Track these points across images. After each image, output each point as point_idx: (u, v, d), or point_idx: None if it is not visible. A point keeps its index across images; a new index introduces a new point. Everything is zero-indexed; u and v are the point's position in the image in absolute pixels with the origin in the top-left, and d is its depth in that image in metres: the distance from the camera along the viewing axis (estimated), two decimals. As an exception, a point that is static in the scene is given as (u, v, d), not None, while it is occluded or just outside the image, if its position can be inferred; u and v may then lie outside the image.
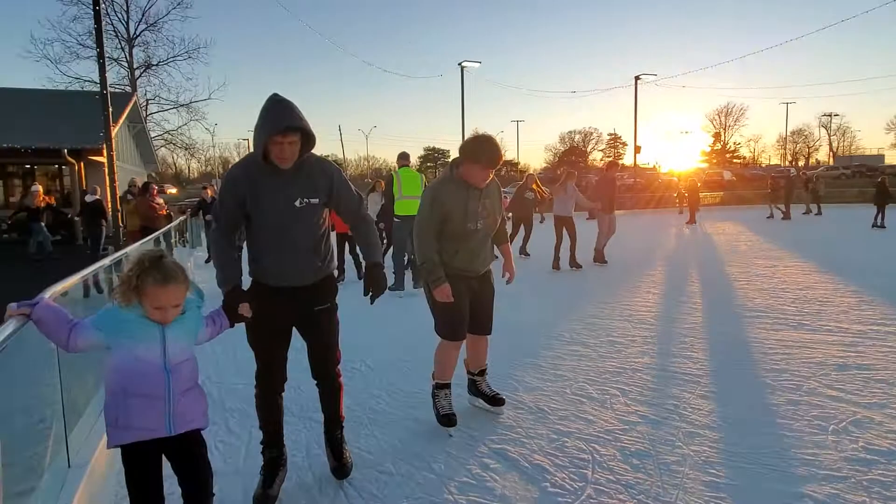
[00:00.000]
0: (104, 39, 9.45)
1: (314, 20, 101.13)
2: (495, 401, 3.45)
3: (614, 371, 4.14)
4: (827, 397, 3.51)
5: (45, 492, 2.21)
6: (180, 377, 1.93)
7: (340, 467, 2.67)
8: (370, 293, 2.57)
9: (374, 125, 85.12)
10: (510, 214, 10.03)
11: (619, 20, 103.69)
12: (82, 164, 17.22)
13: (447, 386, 3.31)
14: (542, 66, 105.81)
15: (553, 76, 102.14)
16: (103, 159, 14.92)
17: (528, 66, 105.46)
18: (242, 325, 2.38)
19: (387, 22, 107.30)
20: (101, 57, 9.57)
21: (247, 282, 2.51)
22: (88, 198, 12.52)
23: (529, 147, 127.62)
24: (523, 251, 10.45)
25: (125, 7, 32.35)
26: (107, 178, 11.27)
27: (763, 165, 59.29)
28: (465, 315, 3.22)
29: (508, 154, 73.52)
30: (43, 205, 13.42)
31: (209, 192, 11.79)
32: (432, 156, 70.85)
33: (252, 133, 2.40)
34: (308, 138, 2.37)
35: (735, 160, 66.84)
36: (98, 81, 11.22)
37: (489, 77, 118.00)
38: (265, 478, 2.53)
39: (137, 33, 33.00)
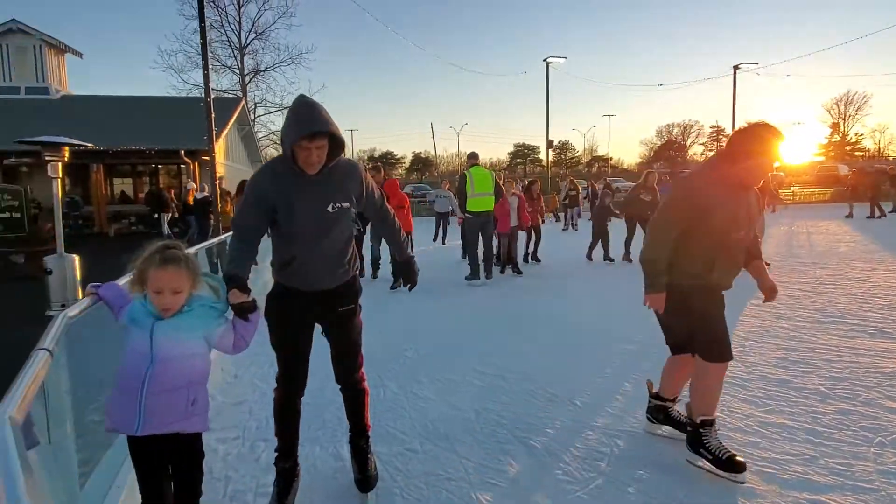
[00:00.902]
0: (220, 49, 10.56)
1: (402, 22, 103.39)
2: (687, 428, 2.83)
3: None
4: (884, 409, 3.30)
5: (106, 464, 2.44)
6: (163, 375, 1.86)
7: (364, 479, 2.55)
8: (409, 285, 2.71)
9: (465, 122, 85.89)
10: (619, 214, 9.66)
11: (714, 4, 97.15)
12: (196, 163, 19.03)
13: (714, 422, 2.72)
14: (631, 59, 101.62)
15: (644, 68, 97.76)
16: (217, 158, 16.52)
17: (616, 59, 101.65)
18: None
19: (470, 20, 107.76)
20: (205, 69, 10.66)
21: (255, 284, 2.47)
22: (199, 195, 13.88)
23: (623, 142, 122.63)
24: (626, 257, 9.34)
25: (238, 19, 35.03)
26: (197, 177, 12.40)
27: (891, 158, 53.08)
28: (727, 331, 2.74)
29: (601, 149, 71.37)
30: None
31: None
32: (522, 152, 70.29)
33: (280, 135, 2.33)
34: (336, 142, 2.25)
35: (857, 153, 60.41)
36: (214, 88, 12.57)
37: (575, 72, 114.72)
38: (279, 491, 2.44)
39: (248, 42, 35.61)
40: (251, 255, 2.32)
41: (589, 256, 9.77)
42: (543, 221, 10.13)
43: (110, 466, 2.40)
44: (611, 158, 64.20)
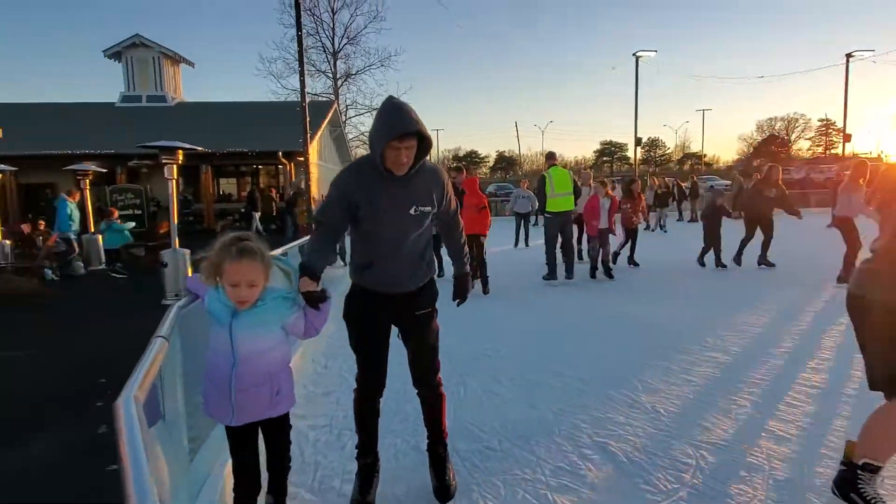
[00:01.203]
0: (315, 55, 11.15)
1: (485, 20, 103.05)
2: None
3: (752, 382, 3.88)
4: None
5: (212, 441, 2.66)
6: (248, 372, 1.96)
7: (443, 488, 2.51)
8: (458, 300, 2.69)
9: (551, 120, 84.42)
10: (741, 214, 8.82)
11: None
12: (292, 164, 20.13)
13: (879, 470, 2.31)
14: (728, 50, 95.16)
15: (742, 60, 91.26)
16: (310, 159, 17.43)
17: (711, 50, 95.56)
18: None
19: (557, 17, 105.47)
20: (301, 75, 11.30)
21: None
22: (292, 194, 14.76)
23: (718, 138, 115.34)
24: (763, 261, 8.60)
25: (332, 25, 36.60)
26: (291, 177, 13.07)
27: None
28: None
29: (694, 145, 67.57)
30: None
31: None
32: (609, 150, 68.07)
33: (368, 136, 2.32)
34: (424, 143, 2.24)
35: None
36: (309, 93, 13.45)
37: (667, 66, 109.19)
38: (361, 485, 2.50)
39: (340, 47, 37.10)
40: (329, 250, 2.38)
41: (700, 261, 8.92)
42: (642, 222, 9.77)
43: (216, 443, 2.62)
44: (704, 155, 60.67)
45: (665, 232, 15.62)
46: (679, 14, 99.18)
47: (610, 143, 70.60)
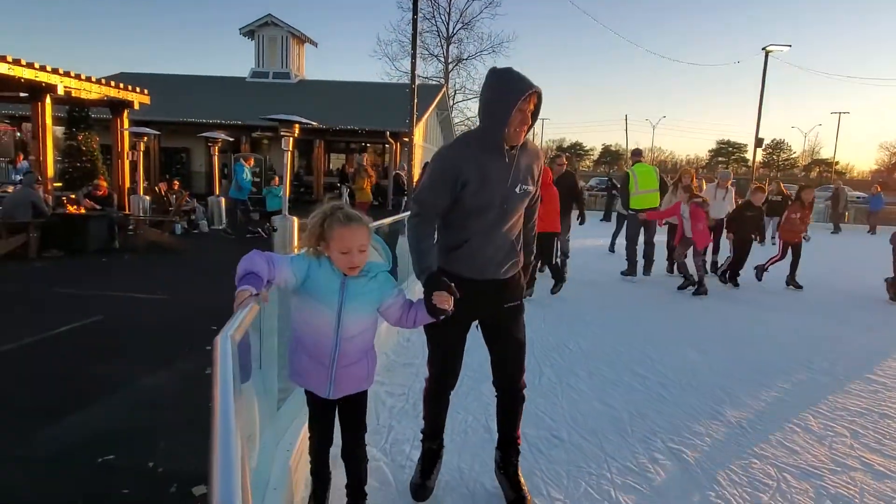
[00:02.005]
0: (429, 38, 11.34)
1: (601, 6, 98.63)
2: None
3: (855, 410, 3.57)
4: None
5: (298, 394, 2.75)
6: (350, 351, 1.98)
7: (521, 500, 2.36)
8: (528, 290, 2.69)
9: (663, 115, 79.82)
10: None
11: None
12: (398, 144, 20.75)
13: None
14: (873, 47, 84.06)
15: (889, 59, 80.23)
16: (415, 140, 17.91)
17: (852, 47, 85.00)
18: None
19: (676, 7, 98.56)
20: (413, 58, 11.52)
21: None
22: (395, 173, 15.24)
23: (854, 145, 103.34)
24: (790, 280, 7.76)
25: (447, 10, 36.96)
26: (397, 157, 13.43)
27: None
28: None
29: (825, 151, 61.18)
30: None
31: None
32: (725, 149, 63.32)
33: (483, 106, 2.15)
34: (536, 109, 2.17)
35: None
36: (420, 75, 13.74)
37: (799, 62, 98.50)
38: (423, 469, 2.47)
39: (454, 32, 37.41)
40: (433, 236, 2.24)
41: (790, 282, 7.73)
42: (807, 238, 8.18)
43: (300, 396, 2.87)
44: (836, 162, 54.72)
45: (774, 244, 14.28)
46: (818, 5, 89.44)
47: (727, 142, 65.71)
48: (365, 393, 2.13)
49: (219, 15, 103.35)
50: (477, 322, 2.38)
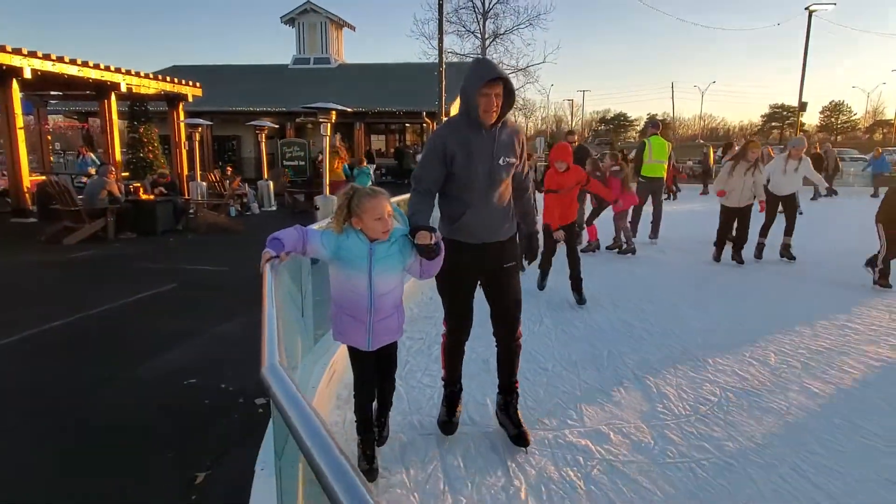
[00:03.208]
0: (466, 15, 11.70)
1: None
2: None
3: (816, 349, 4.08)
4: None
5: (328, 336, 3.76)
6: (383, 307, 2.30)
7: (522, 435, 2.70)
8: (530, 256, 2.95)
9: (713, 80, 76.49)
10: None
11: None
12: (435, 123, 21.35)
13: None
14: None
15: None
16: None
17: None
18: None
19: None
20: (440, 42, 12.03)
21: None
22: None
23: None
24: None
25: (484, -17, 36.82)
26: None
27: None
28: None
29: (889, 111, 57.59)
30: None
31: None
32: (779, 114, 60.61)
33: (461, 91, 2.51)
34: (509, 96, 2.48)
35: None
36: (457, 52, 14.13)
37: (851, 20, 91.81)
38: (448, 408, 2.83)
39: (490, 6, 37.30)
40: (430, 206, 2.56)
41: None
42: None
43: (327, 345, 3.63)
44: (904, 123, 51.62)
45: (800, 213, 12.69)
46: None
47: (782, 106, 62.85)
48: (396, 344, 2.49)
49: (261, 4, 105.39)
50: (484, 290, 2.75)
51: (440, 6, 12.31)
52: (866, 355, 3.96)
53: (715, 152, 18.90)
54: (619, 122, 70.08)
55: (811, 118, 67.91)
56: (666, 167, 8.39)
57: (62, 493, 2.48)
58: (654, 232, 8.41)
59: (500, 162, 2.56)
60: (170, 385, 3.58)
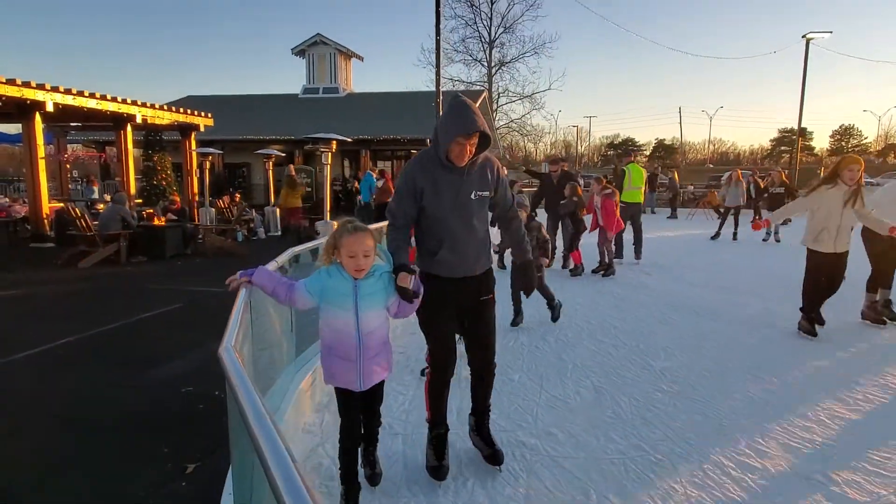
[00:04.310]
0: (472, 44, 12.25)
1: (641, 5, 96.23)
2: None
3: (758, 360, 4.37)
4: None
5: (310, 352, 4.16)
6: (371, 344, 2.30)
7: (496, 453, 2.77)
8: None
9: (721, 105, 77.41)
10: None
11: None
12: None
13: None
14: None
15: None
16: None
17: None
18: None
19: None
20: (437, 74, 12.61)
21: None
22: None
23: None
24: None
25: (489, 15, 37.91)
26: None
27: None
28: None
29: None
30: None
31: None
32: (788, 138, 60.95)
33: (435, 130, 2.51)
34: (485, 140, 2.49)
35: None
36: (464, 81, 14.53)
37: (844, 50, 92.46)
38: (436, 452, 2.75)
39: (496, 36, 38.30)
40: (407, 242, 2.60)
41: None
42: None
43: (311, 354, 3.99)
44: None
45: (778, 241, 11.75)
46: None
47: (790, 130, 63.16)
48: (383, 382, 2.50)
49: (272, 36, 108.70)
50: (460, 321, 2.77)
51: (437, 43, 12.89)
52: (810, 368, 4.26)
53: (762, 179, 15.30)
54: (627, 148, 70.65)
55: (821, 142, 68.26)
56: (643, 191, 9.09)
57: (75, 473, 2.88)
58: (638, 253, 8.88)
59: (472, 196, 2.56)
60: (170, 391, 3.97)
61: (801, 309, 5.12)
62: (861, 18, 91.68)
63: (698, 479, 2.73)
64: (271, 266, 3.21)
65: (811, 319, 5.04)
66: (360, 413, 2.47)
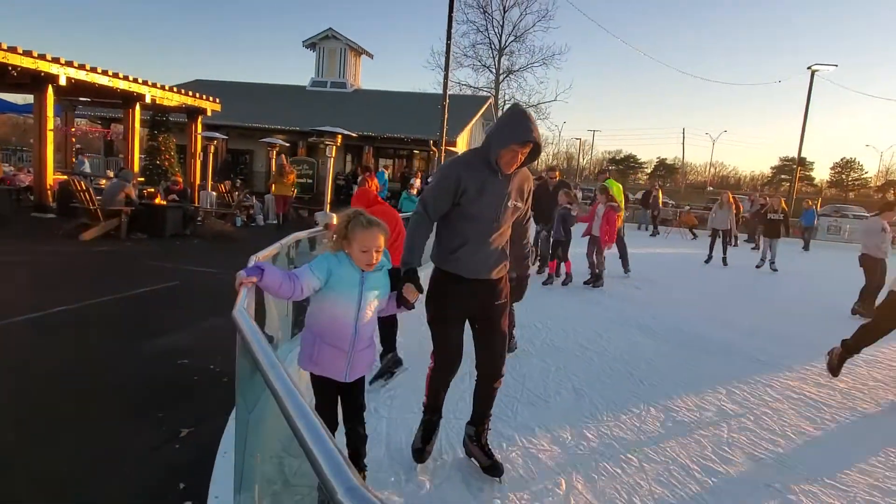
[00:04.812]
0: (483, 50, 12.42)
1: (650, 26, 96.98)
2: None
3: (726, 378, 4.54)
4: None
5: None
6: (363, 336, 2.27)
7: (496, 465, 2.73)
8: (516, 299, 2.90)
9: (724, 130, 78.11)
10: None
11: None
12: (443, 152, 22.13)
13: None
14: None
15: None
16: (455, 149, 19.26)
17: None
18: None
19: (721, 26, 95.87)
20: (446, 72, 12.76)
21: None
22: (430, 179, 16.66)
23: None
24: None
25: (501, 23, 38.20)
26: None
27: None
28: None
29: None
30: None
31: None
32: (788, 167, 61.46)
33: (489, 134, 2.52)
34: (535, 151, 2.50)
35: None
36: (471, 85, 14.69)
37: (850, 83, 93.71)
38: (424, 435, 2.80)
39: (507, 44, 38.59)
40: (427, 236, 2.59)
41: None
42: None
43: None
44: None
45: (775, 271, 11.39)
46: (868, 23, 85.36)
47: (791, 159, 63.78)
48: (363, 381, 2.44)
49: (284, 27, 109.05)
50: (472, 326, 2.73)
51: (447, 49, 13.06)
52: (783, 387, 4.43)
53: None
54: (628, 164, 71.08)
55: (822, 173, 68.91)
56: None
57: (76, 431, 3.02)
58: (626, 266, 9.14)
59: (509, 204, 2.60)
60: (166, 362, 4.11)
61: (845, 343, 4.65)
62: (868, 54, 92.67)
63: (663, 478, 2.88)
64: (271, 251, 3.33)
65: (846, 358, 4.67)
66: (337, 406, 2.37)
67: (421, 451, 2.78)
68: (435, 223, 2.63)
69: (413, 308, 2.38)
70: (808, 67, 21.27)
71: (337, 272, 2.21)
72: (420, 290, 2.35)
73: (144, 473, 2.71)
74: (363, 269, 2.22)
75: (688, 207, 24.71)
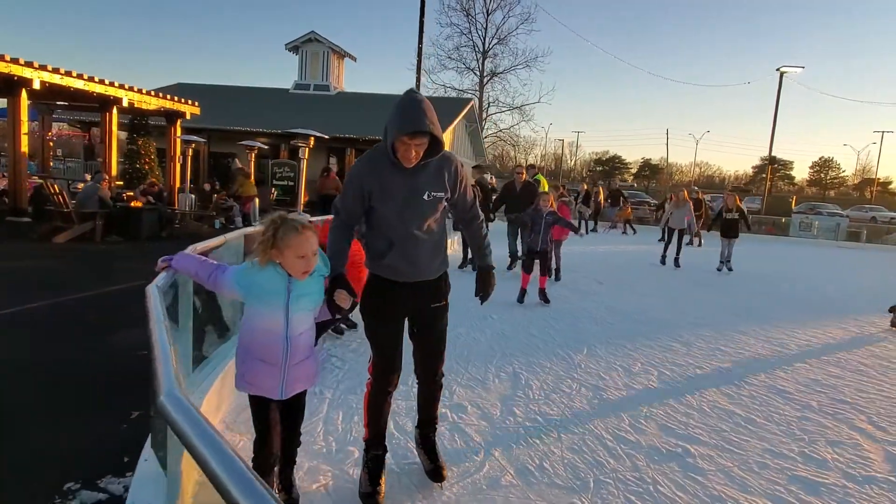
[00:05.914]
0: (467, 53, 12.63)
1: (642, 22, 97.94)
2: None
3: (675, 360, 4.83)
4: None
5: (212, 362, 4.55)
6: (297, 349, 2.11)
7: (438, 469, 2.65)
8: (481, 295, 2.63)
9: (707, 130, 79.19)
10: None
11: None
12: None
13: None
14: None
15: None
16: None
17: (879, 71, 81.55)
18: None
19: (693, 28, 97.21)
20: (417, 80, 13.04)
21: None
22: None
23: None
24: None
25: (484, 25, 38.56)
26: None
27: None
28: None
29: (883, 170, 59.60)
30: None
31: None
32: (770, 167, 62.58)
33: (385, 125, 2.30)
34: (436, 142, 2.29)
35: None
36: (455, 87, 14.93)
37: (817, 85, 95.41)
38: (371, 477, 2.50)
39: (490, 47, 38.95)
40: (349, 241, 2.47)
41: None
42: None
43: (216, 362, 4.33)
44: (890, 182, 53.40)
45: (731, 270, 10.89)
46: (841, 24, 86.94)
47: (774, 158, 64.95)
48: (305, 393, 2.31)
49: (267, 31, 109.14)
50: (409, 327, 2.58)
51: (419, 50, 13.35)
52: (711, 368, 4.73)
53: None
54: (613, 165, 71.74)
55: (801, 172, 70.11)
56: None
57: (31, 422, 3.25)
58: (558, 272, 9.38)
59: (426, 197, 2.38)
60: (126, 354, 4.33)
61: None
62: (852, 58, 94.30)
63: (576, 446, 3.16)
64: (211, 243, 3.54)
65: None
66: (278, 427, 2.19)
67: (371, 494, 2.45)
68: (354, 227, 2.50)
69: (348, 314, 2.34)
70: (777, 69, 21.81)
71: (259, 282, 2.06)
72: (353, 295, 2.24)
73: (97, 451, 2.95)
74: (299, 277, 2.06)
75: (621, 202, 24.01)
